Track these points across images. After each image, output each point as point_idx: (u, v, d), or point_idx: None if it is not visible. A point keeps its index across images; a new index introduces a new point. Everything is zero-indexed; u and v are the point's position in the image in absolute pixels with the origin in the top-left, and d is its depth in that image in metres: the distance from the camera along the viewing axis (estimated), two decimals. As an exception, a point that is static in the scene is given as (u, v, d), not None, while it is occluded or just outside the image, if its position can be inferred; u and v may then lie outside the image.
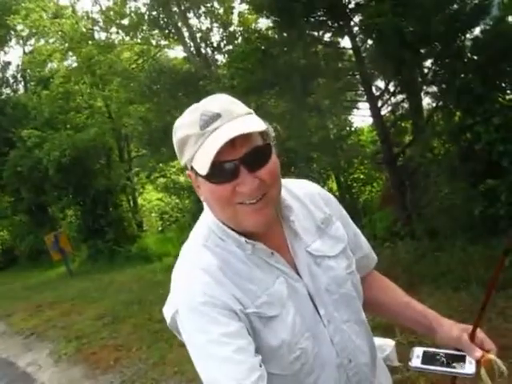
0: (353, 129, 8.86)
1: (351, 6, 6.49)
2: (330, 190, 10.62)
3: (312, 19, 6.44)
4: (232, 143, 1.01)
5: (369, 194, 9.75)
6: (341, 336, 1.19)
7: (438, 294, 5.07)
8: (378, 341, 1.39)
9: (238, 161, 1.03)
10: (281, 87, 6.97)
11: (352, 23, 6.53)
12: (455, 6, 6.08)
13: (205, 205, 1.21)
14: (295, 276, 1.16)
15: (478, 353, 1.17)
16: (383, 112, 7.24)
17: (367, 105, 7.18)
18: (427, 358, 1.20)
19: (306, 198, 1.28)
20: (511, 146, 5.83)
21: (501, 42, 5.80)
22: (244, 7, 10.65)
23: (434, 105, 7.04)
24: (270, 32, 7.30)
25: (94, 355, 5.74)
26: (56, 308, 8.81)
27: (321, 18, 6.59)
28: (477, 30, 6.27)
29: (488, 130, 5.97)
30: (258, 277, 1.12)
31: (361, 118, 8.33)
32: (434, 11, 5.37)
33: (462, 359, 1.19)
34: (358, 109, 7.92)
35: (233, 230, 1.13)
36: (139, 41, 13.65)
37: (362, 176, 9.88)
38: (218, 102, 1.08)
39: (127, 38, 13.81)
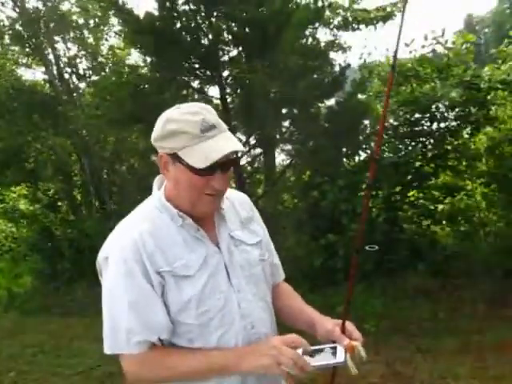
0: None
1: (224, 58, 6.86)
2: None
3: (186, 64, 6.69)
4: None
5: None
6: (247, 304, 1.46)
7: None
8: None
9: (220, 164, 1.34)
10: (147, 124, 7.02)
11: (224, 74, 6.89)
12: (315, 75, 6.78)
13: (155, 186, 1.52)
14: (215, 249, 1.46)
15: (346, 341, 1.38)
16: (242, 162, 7.64)
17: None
18: (306, 356, 1.31)
19: (235, 200, 1.62)
20: (351, 206, 6.52)
21: (350, 115, 6.59)
22: (115, 41, 10.68)
23: (288, 162, 7.64)
24: (143, 69, 7.39)
25: None
26: None
27: (194, 65, 6.86)
28: (332, 101, 7.07)
29: (333, 189, 6.64)
30: (182, 244, 1.41)
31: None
32: (299, 77, 5.93)
33: (334, 350, 1.36)
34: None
35: (174, 206, 1.43)
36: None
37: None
38: (212, 114, 1.39)
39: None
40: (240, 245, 1.52)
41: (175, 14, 6.08)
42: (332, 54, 7.10)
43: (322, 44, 6.69)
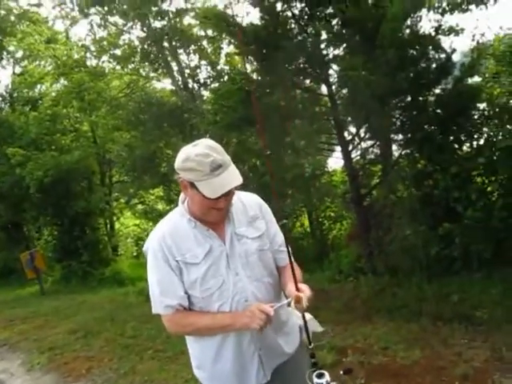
0: (326, 169, 9.40)
1: (329, 57, 7.09)
2: (302, 226, 11.09)
3: (293, 66, 7.03)
4: None
5: (338, 231, 10.24)
6: (242, 283, 1.99)
7: (391, 325, 5.50)
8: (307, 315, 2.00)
9: (224, 194, 1.86)
10: (261, 126, 7.47)
11: (330, 71, 7.13)
12: (422, 64, 6.72)
13: (180, 200, 2.07)
14: (220, 243, 2.00)
15: (295, 294, 1.85)
16: (353, 155, 7.79)
17: (340, 148, 7.75)
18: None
19: (246, 201, 2.13)
20: (465, 193, 6.41)
21: (459, 100, 6.45)
22: (231, 48, 11.33)
23: (400, 151, 7.62)
24: (253, 74, 7.86)
25: (66, 365, 5.99)
26: (29, 322, 8.97)
27: (301, 66, 7.17)
28: (440, 88, 6.94)
29: (445, 177, 6.56)
30: (193, 240, 1.98)
31: (336, 159, 8.88)
32: (400, 69, 5.98)
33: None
34: (332, 151, 8.50)
35: (190, 214, 1.99)
36: (129, 71, 14.21)
37: (332, 214, 10.40)
38: (220, 154, 1.86)
39: (118, 68, 14.36)
40: (242, 239, 2.03)
41: (277, 21, 6.44)
42: (443, 39, 6.88)
43: (427, 31, 6.59)
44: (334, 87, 7.29)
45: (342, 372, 1.95)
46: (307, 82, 7.79)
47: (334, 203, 9.95)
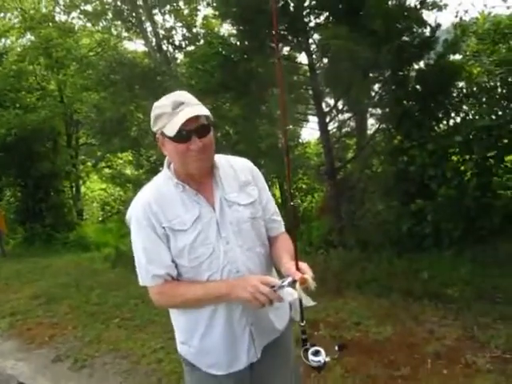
0: (300, 140, 9.28)
1: (311, 24, 6.88)
2: (274, 196, 11.01)
3: (273, 32, 6.79)
4: (189, 120, 1.68)
5: (309, 203, 10.20)
6: (233, 253, 1.85)
7: (361, 299, 5.50)
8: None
9: (192, 130, 1.71)
10: (237, 92, 7.28)
11: (310, 41, 6.93)
12: (405, 37, 6.60)
13: (165, 164, 1.91)
14: (210, 209, 1.85)
15: (298, 275, 1.68)
16: (330, 127, 7.69)
17: (316, 119, 7.62)
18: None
19: (237, 166, 1.98)
20: (440, 171, 6.40)
21: (440, 77, 6.38)
22: (209, 11, 10.97)
23: (377, 126, 7.56)
24: (232, 38, 7.60)
25: (28, 331, 5.79)
26: (-12, 286, 8.69)
27: (282, 32, 6.95)
28: (422, 63, 6.85)
29: (422, 154, 6.52)
30: (180, 206, 1.83)
31: (310, 130, 8.75)
32: (385, 40, 5.83)
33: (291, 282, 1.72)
34: (307, 121, 8.36)
35: (176, 177, 1.85)
36: (100, 29, 13.67)
37: (304, 186, 10.34)
38: (183, 95, 1.77)
39: (88, 25, 13.79)
40: (233, 205, 1.89)
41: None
42: (426, 14, 6.75)
43: (413, 4, 6.45)
44: (314, 56, 7.10)
45: (336, 348, 1.85)
46: (287, 49, 7.57)
47: (306, 175, 9.87)
